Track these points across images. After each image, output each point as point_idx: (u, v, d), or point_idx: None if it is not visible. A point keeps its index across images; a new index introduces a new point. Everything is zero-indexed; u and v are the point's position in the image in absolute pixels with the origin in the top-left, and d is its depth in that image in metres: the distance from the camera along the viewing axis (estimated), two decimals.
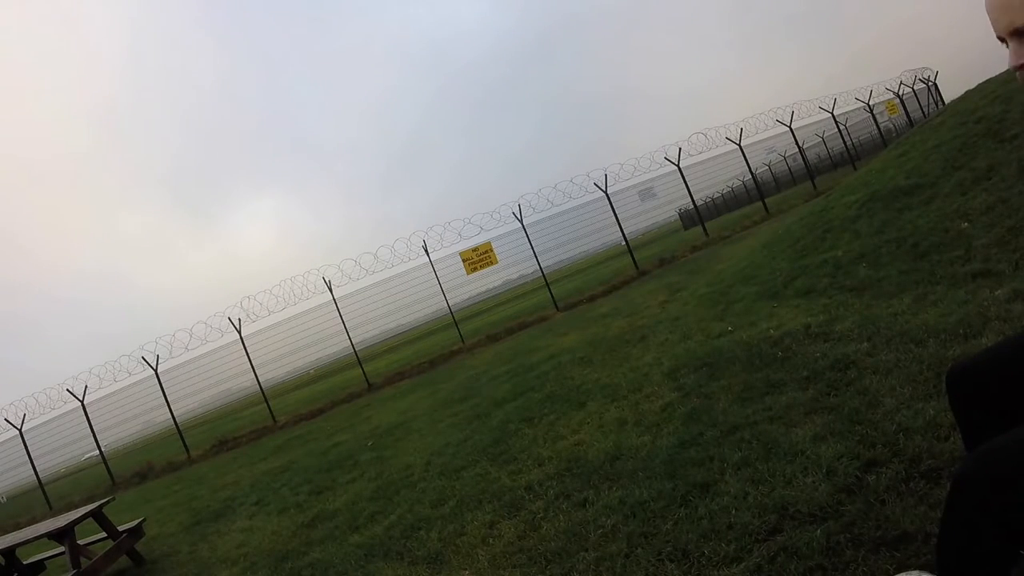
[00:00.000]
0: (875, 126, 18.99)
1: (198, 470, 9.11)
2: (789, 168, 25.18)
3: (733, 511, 1.92)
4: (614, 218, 13.17)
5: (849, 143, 18.72)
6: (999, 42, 0.85)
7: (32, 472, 12.23)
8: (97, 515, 4.13)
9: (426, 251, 11.92)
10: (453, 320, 11.92)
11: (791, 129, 15.45)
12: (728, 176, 16.44)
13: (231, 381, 12.60)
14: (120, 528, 4.29)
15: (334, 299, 11.77)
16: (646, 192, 14.55)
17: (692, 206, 14.90)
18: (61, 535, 3.81)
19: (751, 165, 15.01)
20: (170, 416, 11.75)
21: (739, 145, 14.60)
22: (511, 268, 13.35)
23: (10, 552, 4.05)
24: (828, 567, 1.52)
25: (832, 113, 16.39)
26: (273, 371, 12.56)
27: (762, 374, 3.01)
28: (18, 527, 8.53)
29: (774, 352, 3.26)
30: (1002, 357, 1.09)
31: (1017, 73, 0.84)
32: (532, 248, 12.54)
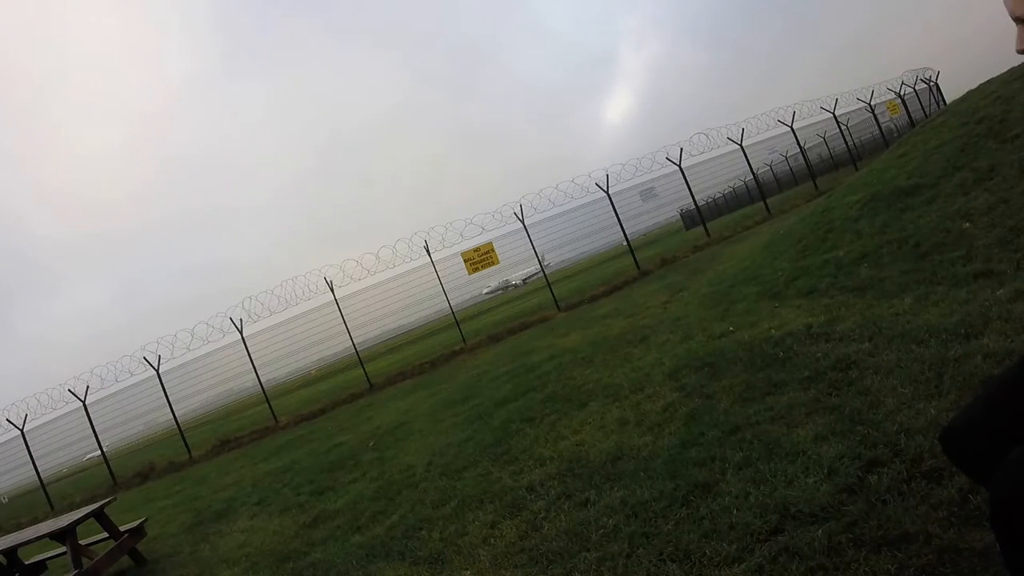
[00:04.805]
0: (876, 126, 18.96)
1: (200, 470, 9.13)
2: (791, 168, 25.13)
3: (734, 511, 1.92)
4: (616, 218, 13.17)
5: (851, 143, 18.68)
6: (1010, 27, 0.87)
7: (34, 472, 12.25)
8: (99, 515, 4.14)
9: (427, 251, 11.93)
10: (455, 320, 11.92)
11: (792, 129, 15.44)
12: (729, 176, 16.43)
13: (233, 381, 12.61)
14: (122, 528, 4.30)
15: (335, 299, 11.78)
16: (647, 192, 14.55)
17: (693, 206, 14.89)
18: (63, 535, 3.82)
19: (752, 165, 15.00)
20: (172, 416, 11.77)
21: (740, 145, 14.59)
22: (512, 268, 13.35)
23: (12, 552, 4.06)
24: (830, 567, 1.52)
25: (833, 113, 16.38)
26: (274, 371, 12.57)
27: (763, 374, 3.01)
28: (20, 527, 8.54)
29: (775, 352, 3.26)
30: (993, 405, 1.04)
31: None
32: (534, 248, 12.54)
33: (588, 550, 2.06)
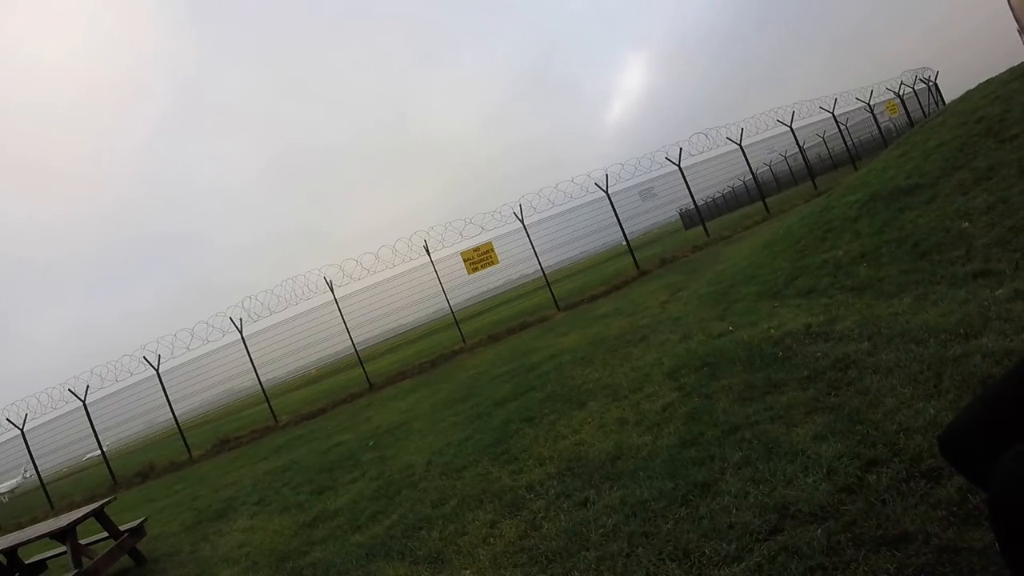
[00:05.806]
0: (876, 126, 18.97)
1: (200, 470, 9.13)
2: (790, 168, 25.16)
3: (734, 511, 1.92)
4: (615, 218, 13.17)
5: (850, 143, 18.68)
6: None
7: (34, 472, 12.25)
8: (99, 515, 4.14)
9: (427, 251, 11.93)
10: (454, 320, 11.92)
11: (792, 129, 15.44)
12: (729, 176, 16.44)
13: (232, 381, 12.60)
14: (122, 528, 4.30)
15: (335, 299, 11.78)
16: (647, 192, 14.55)
17: (693, 206, 14.90)
18: (63, 535, 3.82)
19: (752, 165, 15.01)
20: (172, 416, 11.77)
21: (740, 145, 14.60)
22: (512, 268, 13.34)
23: (12, 552, 4.06)
24: (829, 567, 1.53)
25: (833, 113, 16.38)
26: (274, 371, 12.57)
27: (763, 374, 3.01)
28: (20, 527, 8.54)
29: (775, 352, 3.27)
30: (991, 408, 1.04)
31: None
32: (533, 248, 12.54)
33: (588, 549, 2.06)
